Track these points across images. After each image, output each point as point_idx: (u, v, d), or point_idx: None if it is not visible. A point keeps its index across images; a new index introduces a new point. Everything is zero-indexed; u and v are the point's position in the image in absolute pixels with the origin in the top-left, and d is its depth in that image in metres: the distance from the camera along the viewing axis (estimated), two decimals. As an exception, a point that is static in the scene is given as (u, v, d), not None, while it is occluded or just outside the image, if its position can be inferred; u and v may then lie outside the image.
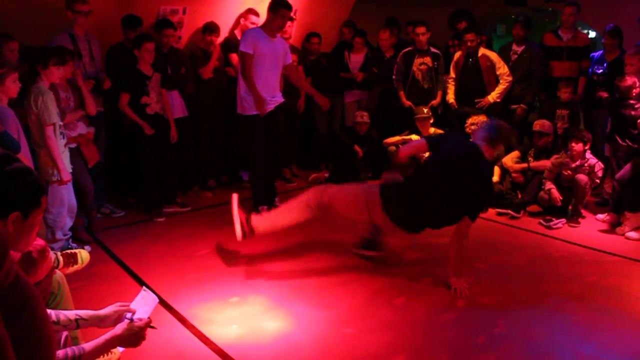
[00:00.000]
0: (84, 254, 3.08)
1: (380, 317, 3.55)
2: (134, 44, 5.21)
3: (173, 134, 5.52)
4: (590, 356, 3.15)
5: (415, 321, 3.53)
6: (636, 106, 5.22)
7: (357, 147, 6.94)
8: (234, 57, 6.20)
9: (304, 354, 3.13)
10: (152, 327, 2.20)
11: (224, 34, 6.41)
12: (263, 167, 5.50)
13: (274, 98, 5.41)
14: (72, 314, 2.16)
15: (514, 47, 6.78)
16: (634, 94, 5.25)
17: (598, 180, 5.57)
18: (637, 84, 5.26)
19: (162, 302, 3.67)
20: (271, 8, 5.20)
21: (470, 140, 4.26)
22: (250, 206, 5.56)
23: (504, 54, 6.71)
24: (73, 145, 4.65)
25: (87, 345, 1.99)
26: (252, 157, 5.50)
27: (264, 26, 5.30)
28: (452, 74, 6.82)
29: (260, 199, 5.50)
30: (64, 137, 4.35)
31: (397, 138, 6.66)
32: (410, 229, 4.10)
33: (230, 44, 6.38)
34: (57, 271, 2.68)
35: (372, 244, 4.51)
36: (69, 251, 3.05)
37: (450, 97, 6.83)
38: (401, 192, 4.00)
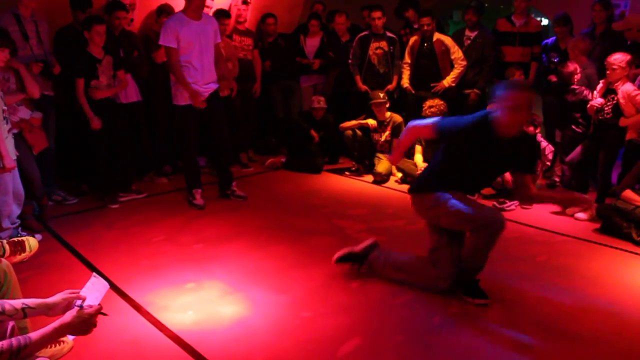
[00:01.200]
0: (32, 242, 3.00)
1: (336, 300, 3.57)
2: (83, 25, 5.05)
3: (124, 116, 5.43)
4: (542, 332, 3.24)
5: (371, 303, 3.56)
6: (577, 91, 5.36)
7: (313, 132, 6.94)
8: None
9: (261, 339, 3.12)
10: (103, 314, 2.16)
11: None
12: (193, 155, 5.44)
13: (207, 85, 5.22)
14: (18, 302, 2.10)
15: (467, 32, 6.87)
16: (575, 80, 5.39)
17: (549, 163, 5.72)
18: (578, 70, 5.41)
19: (116, 290, 3.61)
20: None
21: None
22: (186, 193, 5.56)
23: (457, 39, 6.80)
24: (15, 131, 4.41)
25: (34, 334, 1.94)
26: (182, 145, 5.40)
27: (184, 10, 5.03)
28: (407, 59, 6.86)
29: (194, 184, 5.45)
30: (7, 122, 4.17)
31: (353, 122, 6.68)
32: None
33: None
34: (3, 260, 2.59)
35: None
36: (15, 239, 2.97)
37: (405, 82, 6.89)
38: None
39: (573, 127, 5.56)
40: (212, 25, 5.22)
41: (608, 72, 5.04)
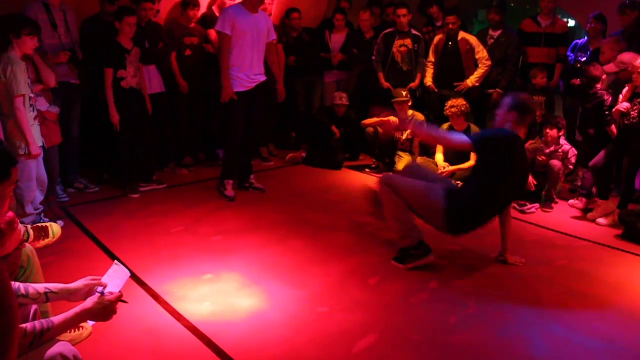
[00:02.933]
0: (55, 228, 3.03)
1: (353, 297, 3.57)
2: (115, 16, 5.10)
3: (148, 107, 5.46)
4: (559, 337, 3.21)
5: (388, 301, 3.55)
6: (598, 95, 5.28)
7: (334, 128, 6.93)
8: (212, 34, 6.12)
9: (277, 332, 3.14)
10: (124, 302, 2.18)
11: (202, 9, 6.32)
12: (238, 145, 5.46)
13: (256, 76, 5.33)
14: (41, 287, 2.13)
15: (491, 32, 6.80)
16: (599, 85, 5.31)
17: (572, 167, 5.65)
18: (604, 76, 5.32)
19: (135, 278, 3.65)
20: None
21: (498, 126, 4.09)
22: (216, 183, 5.56)
23: (481, 39, 6.73)
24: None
25: (56, 319, 1.96)
26: (229, 134, 5.46)
27: (243, 2, 5.18)
28: (432, 58, 6.82)
29: (229, 174, 5.50)
30: (34, 110, 4.24)
31: (375, 119, 6.65)
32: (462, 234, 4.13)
33: (209, 20, 6.31)
34: (27, 244, 2.64)
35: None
36: (39, 224, 3.01)
37: (429, 80, 6.84)
38: (471, 209, 3.88)
39: (590, 131, 5.50)
40: (267, 22, 5.36)
41: (634, 76, 4.94)
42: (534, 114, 4.29)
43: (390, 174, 4.14)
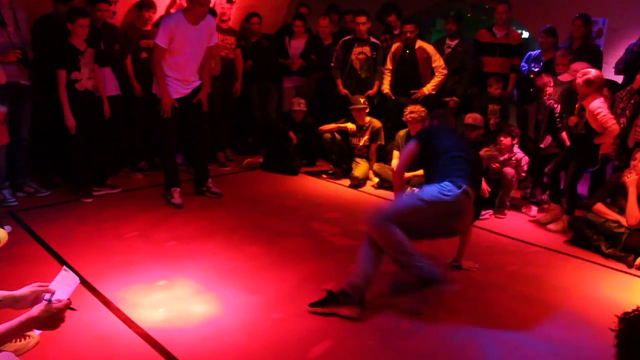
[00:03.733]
0: (1, 233, 2.95)
1: (308, 303, 3.56)
2: (67, 17, 4.98)
3: (106, 109, 5.36)
4: (510, 341, 3.28)
5: (343, 307, 3.56)
6: (546, 105, 5.44)
7: (292, 134, 6.93)
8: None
9: (232, 339, 3.11)
10: (72, 309, 2.12)
11: (160, 12, 6.23)
12: (173, 152, 5.43)
13: (191, 84, 5.27)
14: (-15, 294, 2.06)
15: (448, 41, 6.95)
16: (546, 93, 5.47)
17: (524, 174, 5.79)
18: (551, 83, 5.49)
19: (87, 285, 3.56)
20: None
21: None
22: (164, 190, 5.52)
23: (438, 48, 6.85)
24: None
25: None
26: (162, 140, 5.39)
27: (185, 12, 5.01)
28: (389, 65, 6.90)
29: (173, 182, 5.42)
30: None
31: (332, 125, 6.70)
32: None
33: (166, 23, 6.21)
34: (-29, 250, 2.55)
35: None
36: (-16, 230, 2.92)
37: (386, 88, 6.92)
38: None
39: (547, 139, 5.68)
40: (209, 28, 5.21)
41: (575, 82, 5.04)
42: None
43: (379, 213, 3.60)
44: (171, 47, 4.98)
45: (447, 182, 3.57)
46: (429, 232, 3.65)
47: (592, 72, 4.86)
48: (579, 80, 4.89)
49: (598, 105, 4.85)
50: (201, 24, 5.06)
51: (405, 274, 3.71)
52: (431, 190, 3.57)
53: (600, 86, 4.89)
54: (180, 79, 5.15)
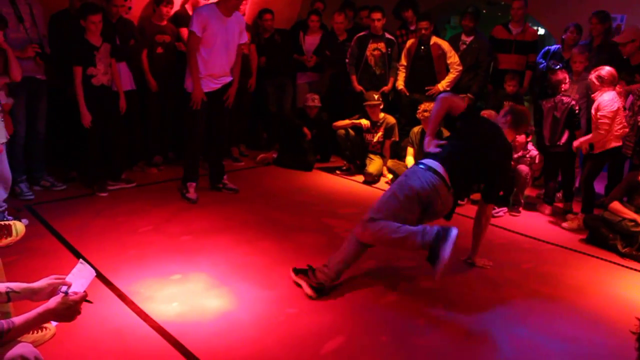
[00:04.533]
0: (19, 226, 2.98)
1: (322, 298, 3.57)
2: (79, 13, 5.01)
3: (122, 104, 5.39)
4: (524, 339, 3.26)
5: (356, 303, 3.56)
6: (564, 100, 5.39)
7: (306, 129, 6.93)
8: (184, 32, 6.06)
9: (245, 333, 3.12)
10: (88, 302, 2.14)
11: (175, 7, 6.25)
12: (199, 146, 5.43)
13: (222, 78, 5.30)
14: (2, 286, 2.09)
15: (463, 37, 6.90)
16: (562, 89, 5.42)
17: (538, 172, 5.75)
18: (567, 80, 5.44)
19: (102, 278, 3.59)
20: None
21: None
22: (180, 184, 5.54)
23: (453, 44, 6.81)
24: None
25: (18, 319, 1.92)
26: (189, 134, 5.40)
27: (218, 3, 5.09)
28: (404, 61, 6.87)
29: (191, 176, 5.44)
30: (-1, 106, 4.14)
31: (346, 121, 6.68)
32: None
33: (181, 18, 6.24)
34: (-11, 243, 2.57)
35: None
36: (2, 222, 2.94)
37: (400, 84, 6.90)
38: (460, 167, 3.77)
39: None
40: (240, 24, 5.28)
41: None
42: (527, 126, 4.46)
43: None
44: (204, 38, 5.01)
45: (421, 164, 3.76)
46: (412, 218, 3.63)
47: (605, 69, 5.00)
48: (592, 76, 5.08)
49: (605, 105, 4.95)
50: (232, 18, 5.12)
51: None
52: (400, 179, 3.76)
53: (611, 82, 4.99)
54: (211, 73, 5.17)
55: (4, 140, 4.18)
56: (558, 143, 5.45)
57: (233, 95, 5.49)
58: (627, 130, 5.06)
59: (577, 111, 5.39)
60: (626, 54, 5.36)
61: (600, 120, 4.98)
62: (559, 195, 5.84)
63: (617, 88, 5.11)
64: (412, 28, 7.18)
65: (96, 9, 5.00)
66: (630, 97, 5.20)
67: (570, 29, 6.19)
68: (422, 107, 6.13)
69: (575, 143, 5.26)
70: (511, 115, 4.12)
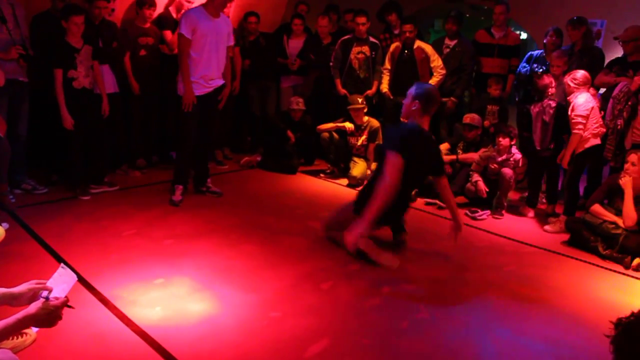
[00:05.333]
0: (-1, 230, 2.94)
1: (305, 302, 3.57)
2: (61, 15, 4.97)
3: (105, 107, 5.34)
4: (506, 341, 3.28)
5: (340, 306, 3.57)
6: (552, 105, 5.44)
7: (289, 133, 6.93)
8: (168, 34, 6.07)
9: (229, 337, 3.11)
10: (70, 307, 2.13)
11: (158, 9, 6.23)
12: (191, 149, 5.41)
13: (213, 81, 5.29)
14: (-18, 291, 2.06)
15: (447, 41, 6.94)
16: (549, 94, 5.48)
17: (522, 176, 5.80)
18: (553, 84, 5.50)
19: (84, 282, 3.56)
20: None
21: (403, 119, 4.42)
22: (169, 185, 5.51)
23: (437, 48, 6.85)
24: None
25: (-3, 324, 1.90)
26: (181, 138, 5.39)
27: (205, 5, 5.09)
28: (388, 65, 6.90)
29: (181, 179, 5.44)
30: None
31: (330, 125, 6.70)
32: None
33: (164, 21, 6.23)
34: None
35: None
36: (-18, 226, 2.91)
37: (385, 87, 6.92)
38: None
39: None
40: (227, 26, 5.30)
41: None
42: (437, 103, 4.40)
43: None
44: (193, 40, 5.01)
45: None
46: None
47: (579, 72, 5.22)
48: (566, 79, 5.26)
49: (579, 105, 5.10)
50: (220, 19, 5.15)
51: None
52: None
53: (585, 83, 5.18)
54: (203, 75, 5.17)
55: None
56: (550, 147, 5.49)
57: (226, 97, 5.57)
58: (604, 130, 5.14)
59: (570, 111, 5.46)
60: (627, 51, 5.42)
61: (573, 121, 5.10)
62: (543, 198, 5.89)
63: (591, 90, 5.25)
64: (396, 32, 7.21)
65: (79, 10, 4.96)
66: (611, 101, 5.27)
67: (550, 33, 6.25)
68: None
69: (564, 160, 5.29)
70: (419, 101, 4.13)
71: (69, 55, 5.00)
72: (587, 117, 5.05)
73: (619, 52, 5.76)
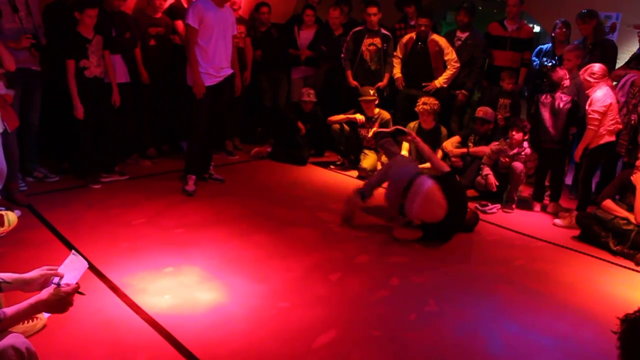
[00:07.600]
0: (11, 217, 2.97)
1: (314, 292, 3.58)
2: (75, 5, 4.97)
3: (115, 97, 5.35)
4: (514, 335, 3.28)
5: (349, 297, 3.57)
6: (564, 97, 5.40)
7: (300, 124, 6.92)
8: (179, 25, 6.05)
9: (238, 327, 3.12)
10: (81, 293, 2.13)
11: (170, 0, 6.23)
12: (202, 139, 5.43)
13: (222, 71, 5.31)
14: (-6, 276, 2.08)
15: (458, 33, 6.88)
16: (563, 86, 5.43)
17: (532, 171, 5.77)
18: (567, 76, 5.45)
19: (94, 270, 3.59)
20: None
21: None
22: (179, 175, 5.53)
23: (448, 40, 6.79)
24: None
25: (9, 310, 1.91)
26: (193, 127, 5.41)
27: None
28: (399, 53, 6.85)
29: (193, 169, 5.45)
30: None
31: (341, 116, 6.68)
32: None
33: (176, 11, 6.22)
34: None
35: None
36: (-5, 213, 2.93)
37: (397, 72, 6.86)
38: None
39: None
40: (231, 16, 5.36)
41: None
42: None
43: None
44: (201, 30, 5.04)
45: None
46: None
47: (596, 66, 5.14)
48: (584, 75, 5.19)
49: (597, 100, 5.05)
50: (224, 9, 5.19)
51: None
52: None
53: (603, 76, 5.12)
54: (212, 65, 5.19)
55: (1, 130, 4.15)
56: (559, 139, 5.45)
57: (239, 86, 5.66)
58: (620, 126, 5.09)
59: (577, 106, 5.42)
60: None
61: (590, 116, 5.06)
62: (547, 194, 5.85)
63: (609, 82, 5.19)
64: (412, 23, 7.17)
65: (94, 3, 4.96)
66: (624, 97, 5.22)
67: (559, 25, 6.20)
68: (422, 99, 6.16)
69: (576, 154, 5.29)
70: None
71: (81, 46, 5.00)
72: (604, 114, 5.00)
73: (634, 45, 5.71)
